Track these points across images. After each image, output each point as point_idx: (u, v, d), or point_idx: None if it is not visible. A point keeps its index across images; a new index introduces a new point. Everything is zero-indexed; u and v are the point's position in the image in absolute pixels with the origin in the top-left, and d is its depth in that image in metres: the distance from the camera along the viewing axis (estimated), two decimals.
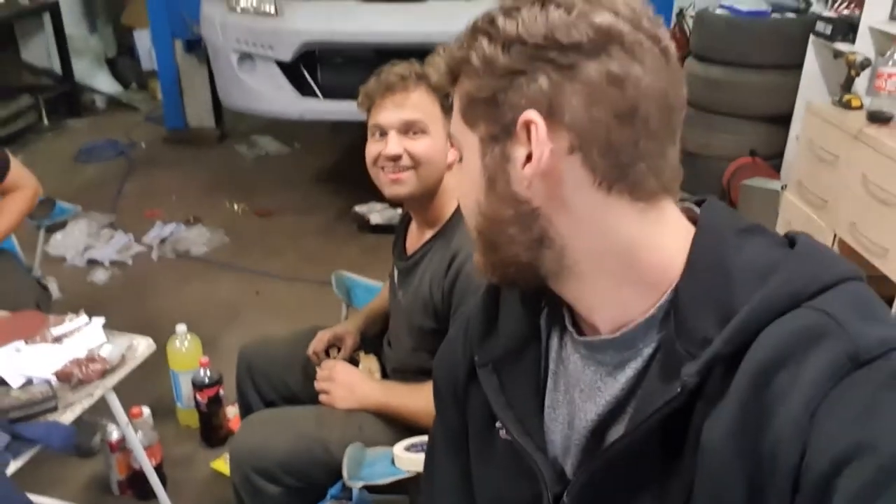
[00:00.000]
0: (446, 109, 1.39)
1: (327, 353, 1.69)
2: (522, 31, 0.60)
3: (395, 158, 1.36)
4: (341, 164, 4.49)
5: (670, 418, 0.60)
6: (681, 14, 4.65)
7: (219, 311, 2.97)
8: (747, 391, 0.56)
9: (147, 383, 2.25)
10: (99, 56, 5.88)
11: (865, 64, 2.75)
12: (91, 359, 1.53)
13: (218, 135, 4.91)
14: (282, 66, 3.43)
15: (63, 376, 1.49)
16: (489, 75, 0.62)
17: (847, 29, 3.17)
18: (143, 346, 1.64)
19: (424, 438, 1.27)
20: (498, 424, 0.75)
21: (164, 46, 4.71)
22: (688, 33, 4.38)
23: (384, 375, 1.62)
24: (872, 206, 2.51)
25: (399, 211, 1.76)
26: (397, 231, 1.62)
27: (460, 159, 0.70)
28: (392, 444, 1.33)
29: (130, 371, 1.59)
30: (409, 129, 1.37)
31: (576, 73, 0.59)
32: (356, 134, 1.48)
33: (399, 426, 1.43)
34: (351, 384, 1.50)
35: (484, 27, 0.63)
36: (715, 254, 0.62)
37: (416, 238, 1.52)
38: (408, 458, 1.23)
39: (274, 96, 3.47)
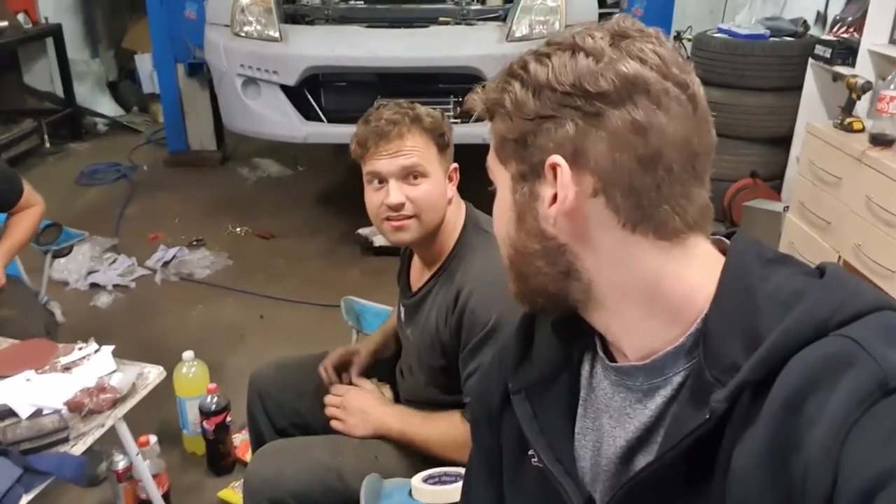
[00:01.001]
0: (441, 147, 1.38)
1: (339, 377, 1.67)
2: (552, 78, 0.63)
3: (398, 207, 1.35)
4: (344, 186, 4.50)
5: (699, 445, 0.60)
6: (678, 37, 4.70)
7: (223, 335, 2.96)
8: (777, 417, 0.56)
9: (151, 410, 2.23)
10: (100, 80, 5.92)
11: (867, 87, 2.78)
12: (101, 388, 1.52)
13: (220, 157, 4.93)
14: (286, 90, 3.45)
15: (74, 406, 1.47)
16: (520, 118, 0.65)
17: (846, 52, 3.20)
18: (153, 374, 1.63)
19: (443, 469, 1.27)
20: (530, 451, 0.76)
21: (166, 70, 4.74)
22: (685, 56, 4.42)
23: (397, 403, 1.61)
24: (877, 227, 2.53)
25: None
26: (400, 266, 1.61)
27: (493, 190, 0.72)
28: (408, 474, 1.32)
29: None
30: (409, 174, 1.35)
31: (601, 121, 0.62)
32: None
33: (415, 456, 1.41)
34: (364, 410, 1.50)
35: (518, 72, 0.66)
36: (741, 283, 0.63)
37: (419, 274, 1.51)
38: (426, 490, 1.22)
39: (278, 120, 3.49)
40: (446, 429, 1.39)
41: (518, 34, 3.36)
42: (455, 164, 1.43)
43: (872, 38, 3.03)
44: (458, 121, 3.36)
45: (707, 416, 0.59)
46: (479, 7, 3.71)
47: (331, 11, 3.63)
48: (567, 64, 0.62)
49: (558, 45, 0.65)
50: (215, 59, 3.63)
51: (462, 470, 1.27)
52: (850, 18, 3.41)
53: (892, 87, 2.59)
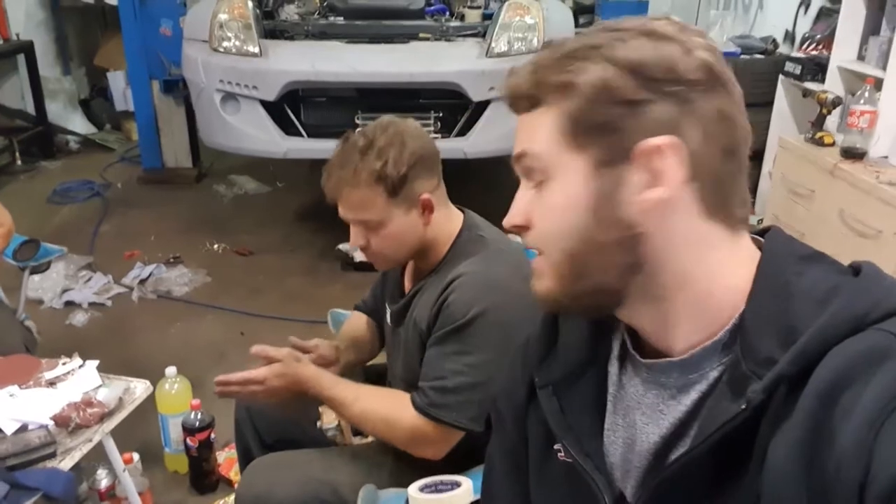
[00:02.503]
0: (392, 191, 1.32)
1: None
2: (645, 61, 0.62)
3: (361, 248, 1.40)
4: (323, 202, 4.39)
5: (734, 437, 0.61)
6: None
7: (204, 353, 2.91)
8: (813, 410, 0.57)
9: (132, 428, 2.17)
10: (72, 97, 5.85)
11: (837, 102, 2.86)
12: (88, 402, 1.50)
13: (195, 175, 4.88)
14: (266, 105, 3.44)
15: (61, 421, 1.44)
16: (605, 101, 0.62)
17: (816, 69, 3.29)
18: (140, 388, 1.61)
19: (439, 478, 1.25)
20: (556, 446, 0.76)
21: (141, 87, 4.70)
22: None
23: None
24: (850, 238, 2.59)
25: None
26: (389, 278, 1.59)
27: (539, 183, 0.68)
28: (402, 485, 1.30)
29: None
30: (364, 226, 1.37)
31: (694, 108, 0.62)
32: None
33: (410, 467, 1.40)
34: (292, 384, 1.42)
35: (588, 53, 0.63)
36: (777, 279, 0.64)
37: (413, 278, 1.51)
38: (423, 499, 1.21)
39: (258, 135, 3.47)
40: (391, 408, 1.36)
41: (497, 50, 3.41)
42: (425, 195, 1.35)
43: (841, 55, 3.12)
44: (439, 136, 3.38)
45: (743, 407, 0.59)
46: (458, 24, 3.76)
47: (311, 27, 3.64)
48: (653, 48, 0.62)
49: (628, 30, 0.63)
50: (193, 75, 3.61)
51: (458, 478, 1.26)
52: (818, 36, 3.51)
53: (861, 101, 2.67)
